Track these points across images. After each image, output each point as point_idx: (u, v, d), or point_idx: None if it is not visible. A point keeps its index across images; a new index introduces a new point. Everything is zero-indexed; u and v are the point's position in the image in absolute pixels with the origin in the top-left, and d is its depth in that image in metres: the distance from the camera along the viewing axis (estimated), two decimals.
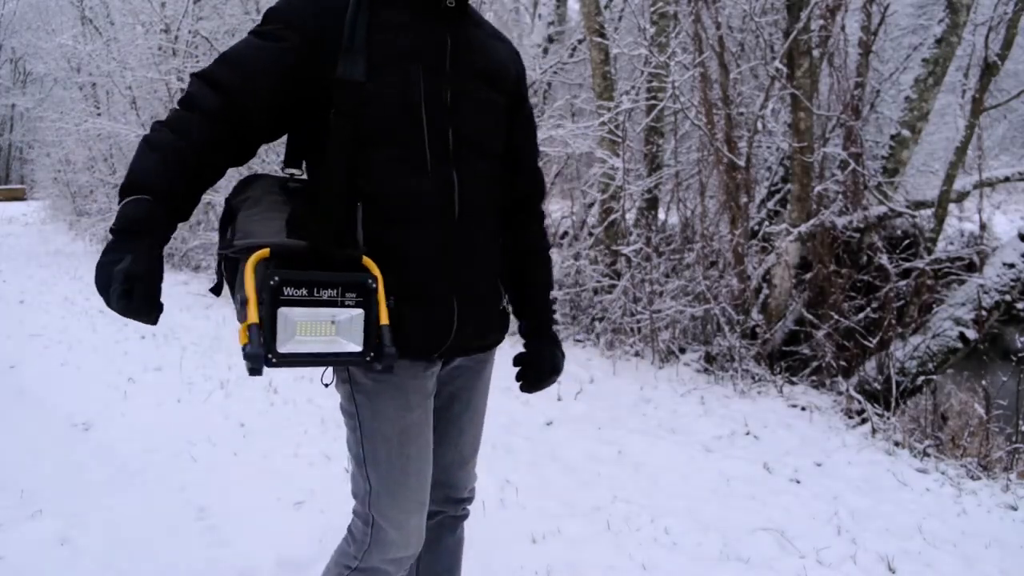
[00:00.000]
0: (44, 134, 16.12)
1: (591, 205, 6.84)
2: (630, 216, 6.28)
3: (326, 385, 1.37)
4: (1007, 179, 6.39)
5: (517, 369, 1.57)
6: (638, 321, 5.30)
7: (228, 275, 1.27)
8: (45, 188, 17.74)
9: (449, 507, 1.57)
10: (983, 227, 6.24)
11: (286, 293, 1.13)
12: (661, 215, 6.67)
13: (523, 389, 1.58)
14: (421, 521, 1.38)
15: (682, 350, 5.15)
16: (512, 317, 1.57)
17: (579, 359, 5.10)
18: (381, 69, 1.24)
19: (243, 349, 1.08)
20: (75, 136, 12.63)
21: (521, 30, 8.90)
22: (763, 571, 2.42)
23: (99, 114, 12.43)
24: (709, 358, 4.97)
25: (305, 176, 1.34)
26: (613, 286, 5.70)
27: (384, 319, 1.20)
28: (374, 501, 1.33)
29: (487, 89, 1.38)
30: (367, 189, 1.25)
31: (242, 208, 1.24)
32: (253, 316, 1.09)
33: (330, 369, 1.35)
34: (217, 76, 1.23)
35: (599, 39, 5.97)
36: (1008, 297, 4.84)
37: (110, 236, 1.13)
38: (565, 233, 7.50)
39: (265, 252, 1.15)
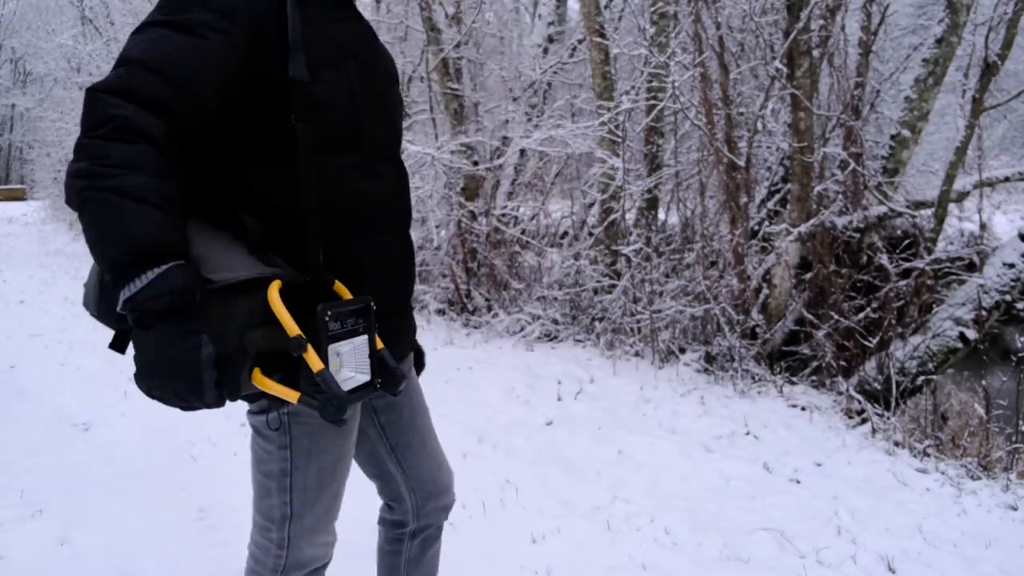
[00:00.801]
0: (44, 134, 16.15)
1: (591, 205, 6.84)
2: (630, 216, 6.28)
3: (275, 430, 1.19)
4: (1007, 179, 6.39)
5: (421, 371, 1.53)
6: (638, 321, 5.30)
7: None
8: (45, 188, 17.75)
9: (438, 518, 1.52)
10: (983, 227, 6.24)
11: (331, 329, 1.01)
12: (661, 215, 6.67)
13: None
14: (335, 531, 1.33)
15: (682, 350, 5.15)
16: None
17: (579, 359, 5.10)
18: (320, 68, 1.10)
19: (322, 404, 0.95)
20: (75, 136, 12.57)
21: (521, 30, 8.89)
22: (763, 571, 2.42)
23: None
24: (709, 358, 4.96)
25: (239, 194, 1.12)
26: (613, 286, 5.70)
27: (379, 343, 1.13)
28: (295, 527, 1.23)
29: (393, 83, 1.34)
30: (328, 200, 1.12)
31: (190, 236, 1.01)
32: (318, 362, 0.96)
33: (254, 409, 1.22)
34: (142, 89, 0.96)
35: (599, 39, 5.97)
36: (1008, 297, 4.84)
37: (150, 323, 0.88)
38: (565, 233, 7.51)
39: (279, 283, 0.99)
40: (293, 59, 1.06)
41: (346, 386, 1.03)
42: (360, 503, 1.66)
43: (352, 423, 1.28)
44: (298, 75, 1.06)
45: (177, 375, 0.88)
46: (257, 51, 1.04)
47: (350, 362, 1.06)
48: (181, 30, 1.00)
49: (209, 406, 0.91)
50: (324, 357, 0.98)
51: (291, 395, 0.96)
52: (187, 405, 0.90)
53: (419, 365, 1.51)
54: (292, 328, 0.95)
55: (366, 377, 1.09)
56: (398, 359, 1.28)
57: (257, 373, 0.96)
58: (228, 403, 0.96)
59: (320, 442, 1.21)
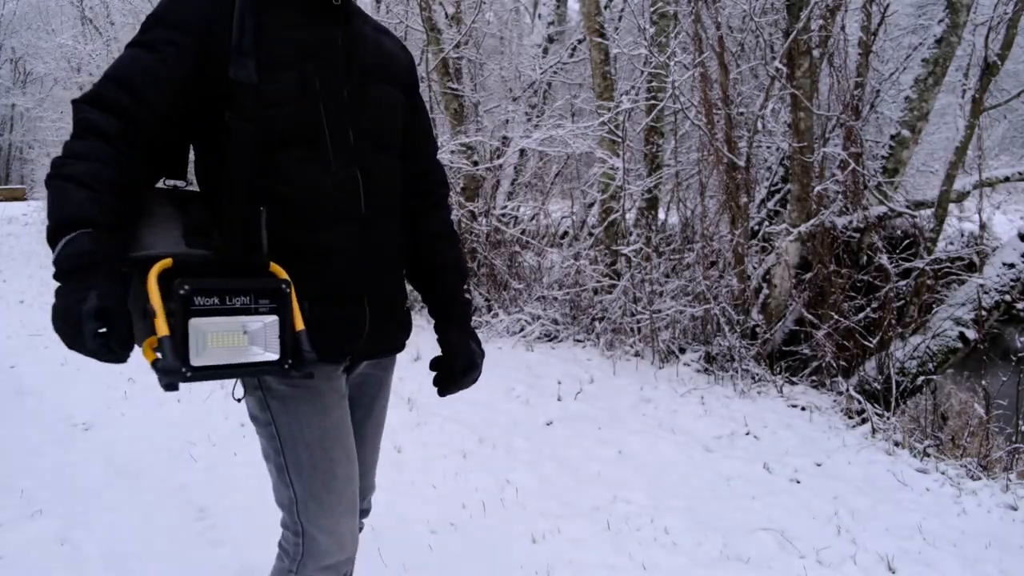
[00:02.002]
0: (44, 134, 16.14)
1: (591, 205, 6.85)
2: (630, 216, 6.28)
3: (238, 400, 1.32)
4: (1007, 179, 6.40)
5: (434, 374, 1.49)
6: (638, 321, 5.30)
7: None
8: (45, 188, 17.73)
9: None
10: (983, 227, 6.24)
11: (197, 303, 1.07)
12: (661, 215, 6.67)
13: (440, 392, 1.49)
14: (353, 523, 1.34)
15: (682, 350, 5.15)
16: (426, 319, 1.50)
17: (579, 359, 5.10)
18: (274, 70, 1.21)
19: (154, 365, 1.03)
20: None
21: (521, 30, 8.90)
22: (763, 571, 2.42)
23: None
24: (709, 358, 4.97)
25: (194, 184, 1.29)
26: (613, 286, 5.70)
27: (299, 324, 1.17)
28: (302, 510, 1.28)
29: (381, 84, 1.37)
30: (271, 191, 1.22)
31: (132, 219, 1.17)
32: (163, 328, 1.03)
33: (239, 382, 1.32)
34: (107, 97, 1.15)
35: (599, 39, 5.97)
36: (1008, 297, 4.84)
37: (58, 279, 1.04)
38: (565, 233, 7.51)
39: (168, 262, 1.09)
40: (236, 63, 1.18)
41: (205, 360, 1.08)
42: None
43: (329, 400, 1.30)
44: (241, 78, 1.18)
45: (66, 323, 1.01)
46: (208, 57, 1.19)
47: (259, 339, 1.13)
48: (145, 47, 1.19)
49: (96, 354, 1.01)
50: (178, 327, 1.05)
51: (149, 356, 1.05)
52: (78, 350, 1.02)
53: (438, 362, 1.50)
54: (154, 300, 1.05)
55: (275, 355, 1.14)
56: (349, 352, 1.32)
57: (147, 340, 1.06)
58: (227, 400, 1.03)
59: (299, 417, 1.27)
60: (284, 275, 1.18)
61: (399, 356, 1.54)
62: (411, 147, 1.46)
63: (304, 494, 1.28)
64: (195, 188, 1.29)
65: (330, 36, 1.29)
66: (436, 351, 1.50)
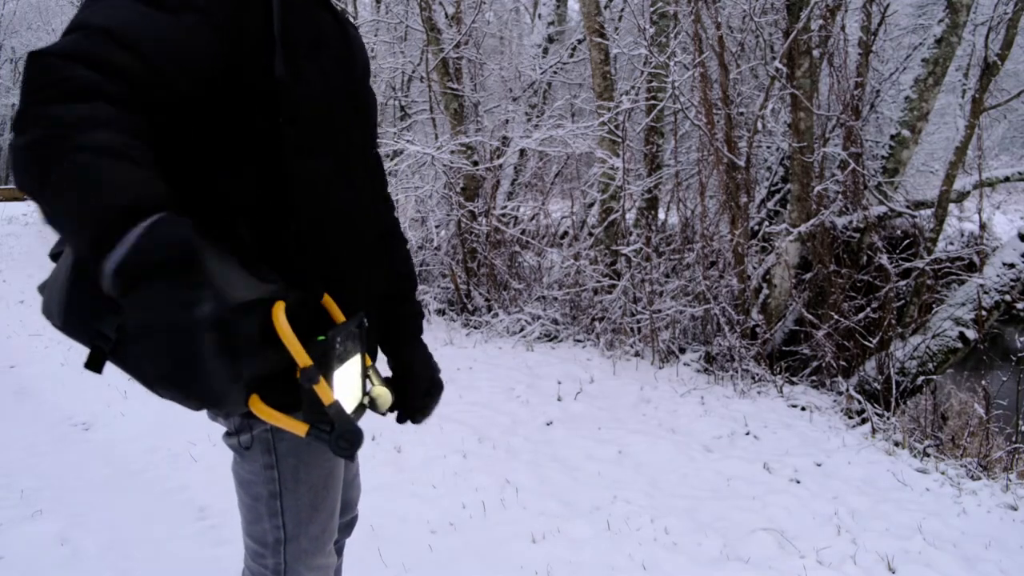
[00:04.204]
0: None
1: (591, 205, 6.84)
2: (630, 216, 6.28)
3: (247, 449, 1.13)
4: (1007, 179, 6.40)
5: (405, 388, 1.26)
6: (638, 321, 5.31)
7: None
8: None
9: (344, 534, 1.42)
10: (983, 227, 6.25)
11: (337, 351, 0.93)
12: (661, 215, 6.67)
13: (401, 420, 1.25)
14: (334, 553, 1.26)
15: (682, 350, 5.15)
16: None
17: (579, 359, 5.10)
18: (299, 65, 0.98)
19: (319, 436, 0.87)
20: None
21: (521, 30, 8.90)
22: (763, 571, 2.42)
23: None
24: (709, 358, 4.97)
25: (231, 202, 1.00)
26: (613, 286, 5.70)
27: (368, 360, 1.05)
28: (291, 550, 1.15)
29: (368, 83, 1.25)
30: (296, 206, 1.01)
31: None
32: (329, 395, 0.87)
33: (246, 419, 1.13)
34: (102, 57, 0.79)
35: (599, 39, 5.97)
36: (1008, 297, 4.84)
37: (131, 289, 0.69)
38: (565, 233, 7.51)
39: (283, 304, 0.85)
40: (279, 53, 0.94)
41: (356, 402, 0.98)
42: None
43: None
44: (282, 72, 0.95)
45: (170, 348, 0.69)
46: (235, 41, 0.91)
47: (344, 386, 0.98)
48: (154, 5, 0.85)
49: (218, 398, 0.74)
50: (332, 387, 0.90)
51: (300, 428, 0.87)
52: (194, 393, 0.73)
53: (395, 386, 1.34)
54: (304, 358, 0.84)
55: (357, 399, 1.03)
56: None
57: (256, 400, 0.85)
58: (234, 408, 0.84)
59: (307, 459, 1.12)
60: (336, 307, 1.03)
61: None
62: None
63: (298, 535, 1.15)
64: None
65: (333, 26, 1.11)
66: (430, 350, 1.35)
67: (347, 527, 1.42)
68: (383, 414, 1.11)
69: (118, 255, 0.69)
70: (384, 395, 1.09)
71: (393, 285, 1.29)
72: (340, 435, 0.86)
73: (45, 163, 0.72)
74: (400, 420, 1.25)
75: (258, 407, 0.86)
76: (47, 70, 0.76)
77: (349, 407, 0.96)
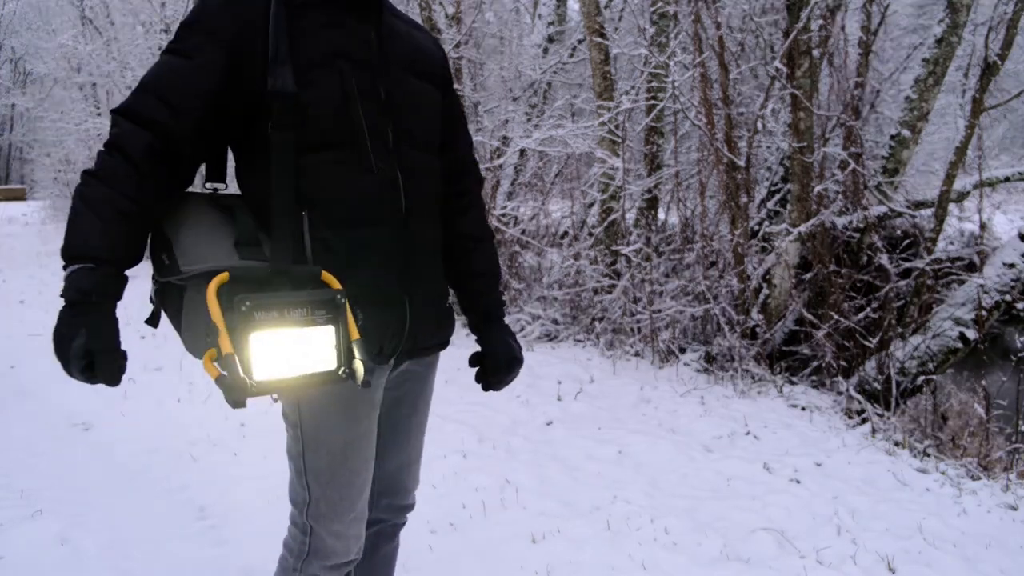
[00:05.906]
0: (44, 134, 16.12)
1: (591, 205, 6.84)
2: (630, 216, 6.28)
3: (275, 400, 1.28)
4: (1007, 179, 6.40)
5: (475, 370, 1.50)
6: (638, 321, 5.30)
7: (170, 304, 1.20)
8: (45, 188, 17.72)
9: (392, 515, 1.54)
10: (983, 227, 6.24)
11: (257, 318, 1.08)
12: (661, 215, 6.67)
13: (485, 388, 1.51)
14: (361, 529, 1.36)
15: (682, 350, 5.15)
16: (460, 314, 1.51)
17: (579, 359, 5.10)
18: (310, 74, 1.20)
19: (219, 381, 1.03)
20: (75, 136, 12.66)
21: (521, 30, 8.91)
22: (763, 571, 2.42)
23: (99, 114, 12.45)
24: (709, 358, 4.97)
25: (236, 190, 1.29)
26: (613, 286, 5.70)
27: (355, 334, 1.16)
28: (312, 511, 1.31)
29: (417, 80, 1.35)
30: (311, 195, 1.21)
31: (180, 230, 1.16)
32: (228, 346, 1.04)
33: None
34: (142, 110, 1.15)
35: (599, 39, 5.97)
36: (1008, 297, 4.84)
37: (62, 302, 1.08)
38: (565, 233, 7.51)
39: (225, 276, 1.09)
40: (273, 73, 1.17)
41: (268, 374, 1.09)
42: None
43: (361, 410, 1.30)
44: (279, 87, 1.16)
45: (58, 351, 1.06)
46: (241, 66, 1.18)
47: (317, 350, 1.13)
48: (181, 55, 1.18)
49: (85, 382, 1.07)
50: (240, 343, 1.05)
51: (211, 370, 1.06)
52: (68, 374, 1.07)
53: (480, 359, 1.51)
54: (216, 317, 1.05)
55: (332, 366, 1.15)
56: (392, 352, 1.31)
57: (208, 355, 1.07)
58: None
59: (327, 422, 1.28)
60: (337, 284, 1.18)
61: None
62: (446, 144, 1.44)
63: (319, 497, 1.30)
64: (234, 191, 1.29)
65: (364, 34, 1.27)
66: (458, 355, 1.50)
67: (400, 511, 1.55)
68: (364, 385, 1.20)
69: (63, 278, 1.09)
70: (361, 369, 1.18)
71: (476, 281, 1.52)
72: (227, 384, 1.03)
73: (75, 194, 1.14)
74: (485, 389, 1.51)
75: (206, 362, 1.07)
76: (112, 122, 1.17)
77: (299, 370, 1.12)
